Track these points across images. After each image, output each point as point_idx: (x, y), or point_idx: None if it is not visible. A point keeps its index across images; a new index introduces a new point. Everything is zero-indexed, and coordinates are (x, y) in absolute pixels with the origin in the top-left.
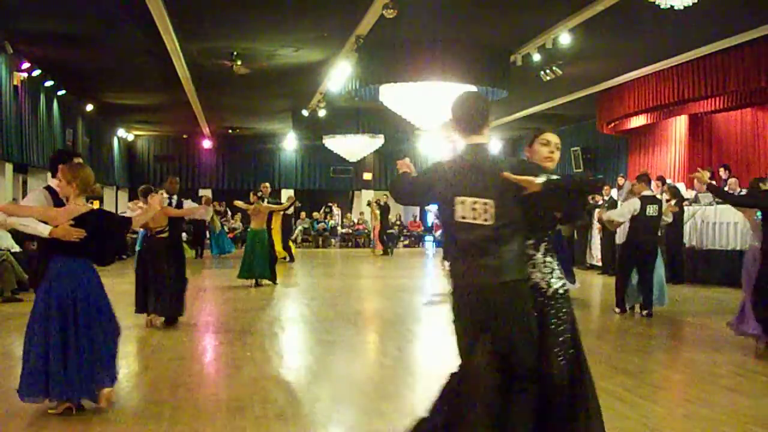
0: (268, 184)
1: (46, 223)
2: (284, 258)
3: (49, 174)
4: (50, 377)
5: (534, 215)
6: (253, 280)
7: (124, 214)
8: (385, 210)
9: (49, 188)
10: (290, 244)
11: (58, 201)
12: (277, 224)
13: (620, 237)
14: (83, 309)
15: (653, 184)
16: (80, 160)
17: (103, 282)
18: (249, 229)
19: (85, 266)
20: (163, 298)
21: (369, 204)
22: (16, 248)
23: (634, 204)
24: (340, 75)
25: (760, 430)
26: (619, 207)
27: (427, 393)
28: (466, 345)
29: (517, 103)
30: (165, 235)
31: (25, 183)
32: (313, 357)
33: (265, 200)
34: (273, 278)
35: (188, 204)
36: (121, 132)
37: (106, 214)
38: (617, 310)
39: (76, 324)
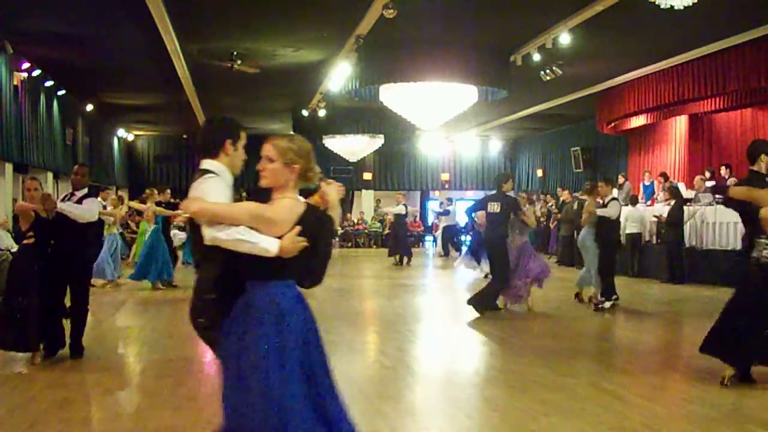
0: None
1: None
2: None
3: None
4: None
5: None
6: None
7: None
8: None
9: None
10: None
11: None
12: None
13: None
14: (319, 366)
15: (655, 181)
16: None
17: None
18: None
19: (299, 293)
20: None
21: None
22: (16, 248)
23: (620, 206)
24: (340, 75)
25: (760, 430)
26: (612, 208)
27: (427, 393)
28: None
29: (517, 103)
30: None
31: (24, 183)
32: None
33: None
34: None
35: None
36: (121, 132)
37: (318, 209)
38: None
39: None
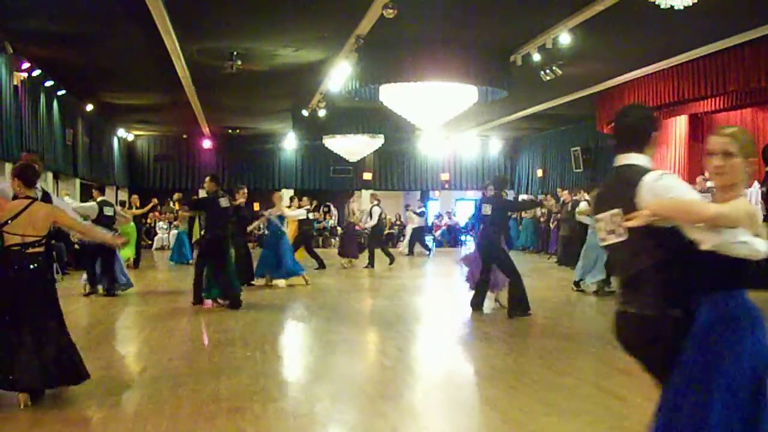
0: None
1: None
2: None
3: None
4: None
5: None
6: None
7: None
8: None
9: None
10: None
11: None
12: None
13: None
14: None
15: None
16: None
17: None
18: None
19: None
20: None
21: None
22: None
23: None
24: (340, 75)
25: None
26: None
27: (427, 393)
28: None
29: (517, 103)
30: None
31: None
32: (313, 357)
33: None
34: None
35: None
36: (121, 132)
37: None
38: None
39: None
